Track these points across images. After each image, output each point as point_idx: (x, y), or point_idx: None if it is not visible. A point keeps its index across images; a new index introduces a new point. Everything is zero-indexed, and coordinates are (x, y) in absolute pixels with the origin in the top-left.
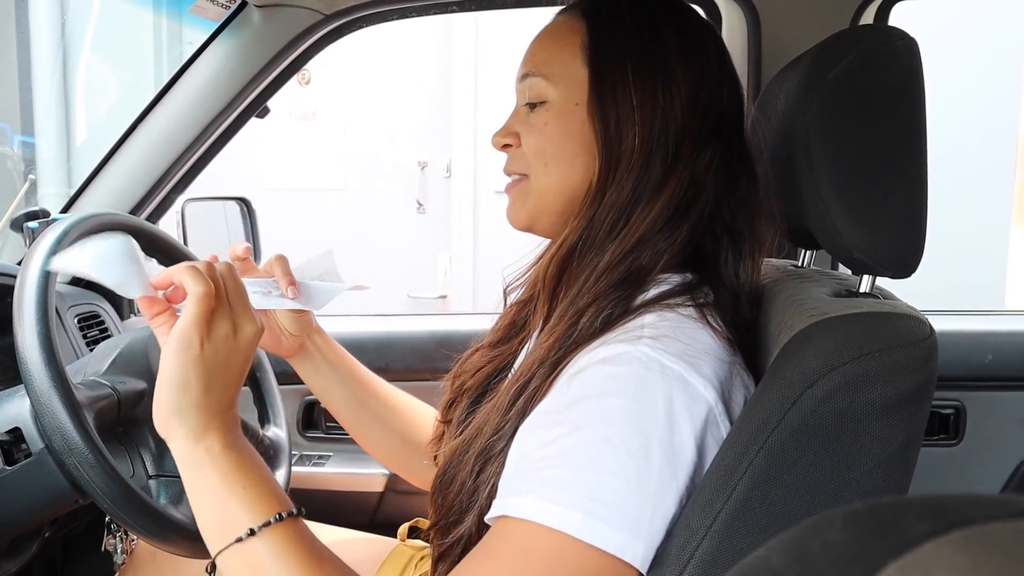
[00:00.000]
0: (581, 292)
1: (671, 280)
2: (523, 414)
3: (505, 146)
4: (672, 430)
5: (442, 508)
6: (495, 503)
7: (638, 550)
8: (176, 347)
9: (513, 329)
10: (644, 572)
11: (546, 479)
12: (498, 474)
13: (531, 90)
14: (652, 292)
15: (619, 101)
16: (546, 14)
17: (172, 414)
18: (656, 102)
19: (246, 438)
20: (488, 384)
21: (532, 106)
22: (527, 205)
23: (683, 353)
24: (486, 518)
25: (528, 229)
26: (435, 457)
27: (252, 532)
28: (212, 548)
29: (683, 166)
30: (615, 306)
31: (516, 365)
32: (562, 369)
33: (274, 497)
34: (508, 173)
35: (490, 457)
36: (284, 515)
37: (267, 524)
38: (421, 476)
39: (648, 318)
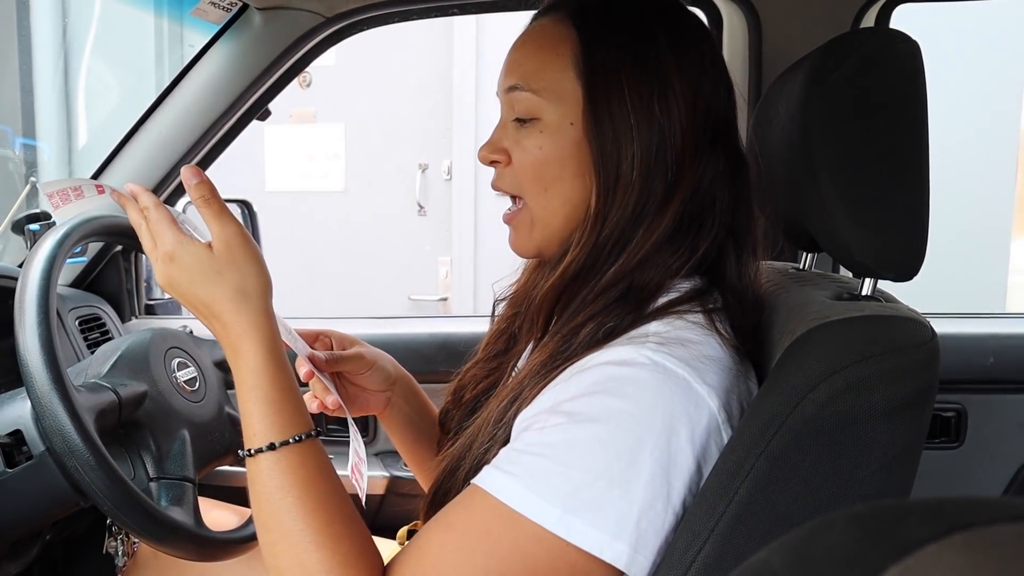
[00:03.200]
0: (576, 310)
1: (680, 287)
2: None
3: (493, 162)
4: (669, 435)
5: None
6: (485, 470)
7: (621, 551)
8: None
9: (508, 340)
10: (631, 574)
11: (532, 467)
12: None
13: (520, 104)
14: (662, 300)
15: (615, 118)
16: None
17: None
18: (652, 116)
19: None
20: (484, 397)
21: (522, 121)
22: (534, 235)
23: (688, 359)
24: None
25: (537, 256)
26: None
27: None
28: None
29: (687, 180)
30: (618, 319)
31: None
32: (558, 374)
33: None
34: (496, 189)
35: (482, 465)
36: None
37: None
38: None
39: (654, 326)
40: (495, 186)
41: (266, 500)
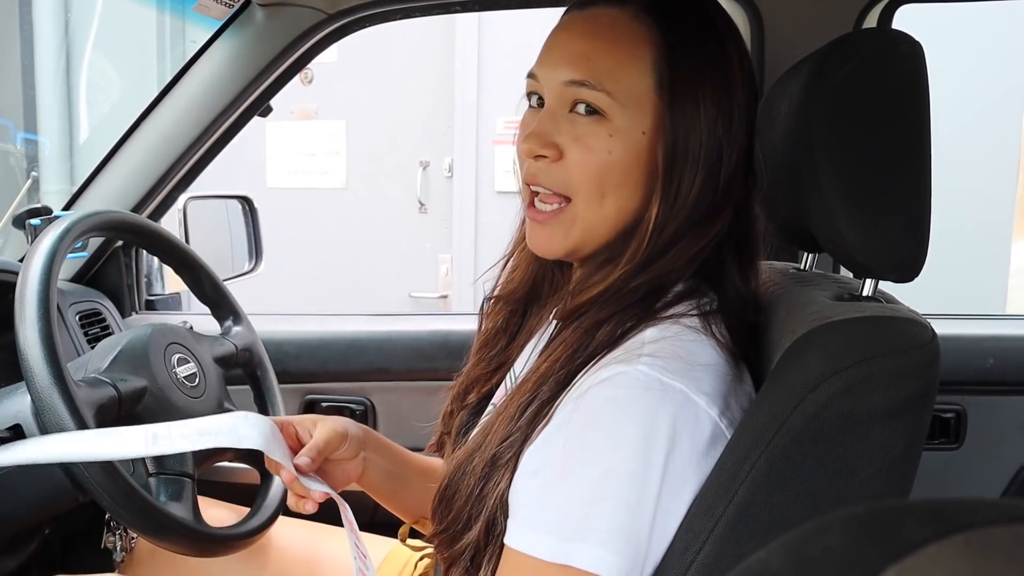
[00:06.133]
0: (599, 306)
1: (675, 289)
2: (532, 423)
3: (539, 156)
4: (674, 450)
5: (447, 518)
6: (508, 527)
7: (637, 574)
8: None
9: (506, 335)
10: None
11: (549, 510)
12: (506, 481)
13: (585, 101)
14: (659, 303)
15: (690, 138)
16: (551, 13)
17: None
18: (717, 138)
19: None
20: (489, 395)
21: (583, 114)
22: (571, 236)
23: (684, 371)
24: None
25: (565, 258)
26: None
27: None
28: None
29: (732, 200)
30: (635, 319)
31: (519, 372)
32: (573, 384)
33: None
34: (536, 186)
35: (497, 465)
36: None
37: None
38: None
39: (649, 332)
40: (535, 182)
41: None
